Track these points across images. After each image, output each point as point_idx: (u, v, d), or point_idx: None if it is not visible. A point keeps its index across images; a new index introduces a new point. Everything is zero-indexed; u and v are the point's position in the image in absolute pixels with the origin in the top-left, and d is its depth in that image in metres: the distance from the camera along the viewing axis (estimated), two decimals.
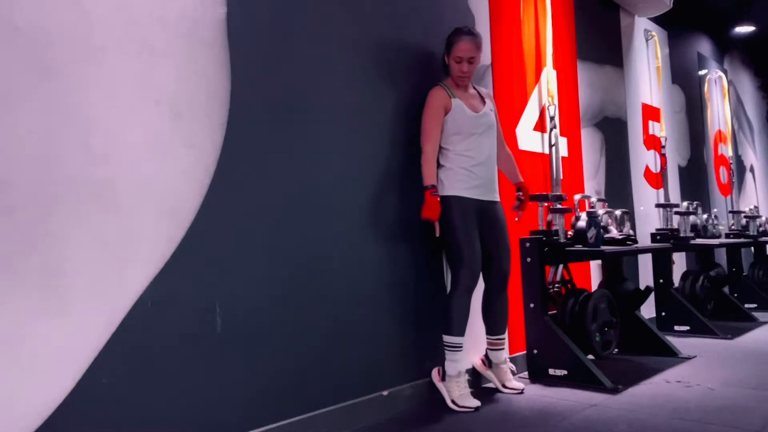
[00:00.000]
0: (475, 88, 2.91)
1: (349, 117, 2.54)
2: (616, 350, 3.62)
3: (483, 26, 3.33)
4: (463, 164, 2.73)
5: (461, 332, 2.66)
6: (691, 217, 4.96)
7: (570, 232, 3.36)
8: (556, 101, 3.64)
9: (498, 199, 2.86)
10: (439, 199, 2.64)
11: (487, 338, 2.91)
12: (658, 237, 4.55)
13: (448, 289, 2.76)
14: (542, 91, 3.70)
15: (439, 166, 2.75)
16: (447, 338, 2.66)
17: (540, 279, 3.16)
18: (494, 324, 2.89)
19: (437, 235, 2.67)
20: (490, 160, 2.83)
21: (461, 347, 2.66)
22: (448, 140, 2.74)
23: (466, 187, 2.71)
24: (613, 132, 4.54)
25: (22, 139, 1.62)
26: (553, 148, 3.60)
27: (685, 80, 5.91)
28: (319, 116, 2.41)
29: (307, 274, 2.31)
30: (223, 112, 2.08)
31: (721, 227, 5.46)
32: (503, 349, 2.92)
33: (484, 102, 2.88)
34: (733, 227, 5.92)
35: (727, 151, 6.53)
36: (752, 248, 6.05)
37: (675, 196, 5.32)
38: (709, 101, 6.36)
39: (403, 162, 2.74)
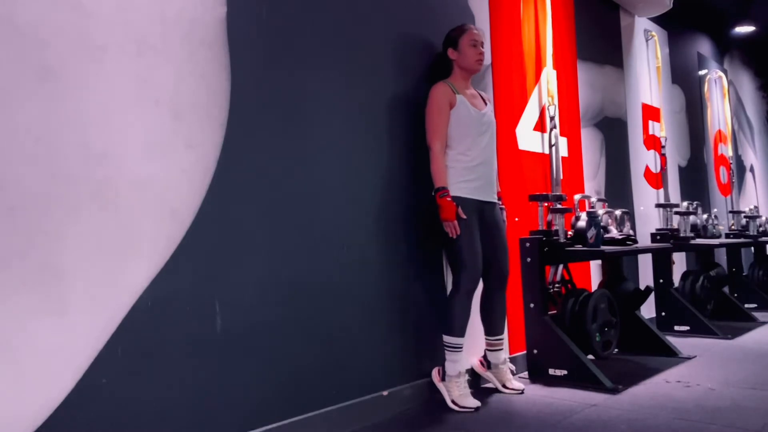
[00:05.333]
0: (475, 89, 2.92)
1: (350, 116, 2.54)
2: (616, 350, 3.61)
3: (483, 26, 3.32)
4: (464, 164, 2.71)
5: (462, 333, 2.66)
6: (691, 217, 4.96)
7: (570, 232, 3.36)
8: (556, 101, 3.64)
9: (496, 200, 2.86)
10: (451, 199, 2.62)
11: (486, 339, 2.91)
12: (658, 237, 4.54)
13: (449, 289, 2.76)
14: (542, 91, 3.70)
15: None
16: (447, 338, 2.66)
17: (540, 279, 3.16)
18: (493, 325, 2.89)
19: (455, 236, 2.62)
20: (490, 159, 2.82)
21: (461, 348, 2.66)
22: (449, 138, 2.72)
23: (466, 188, 2.69)
24: (613, 132, 4.54)
25: (21, 138, 1.61)
26: (553, 148, 3.60)
27: (685, 80, 5.90)
28: (320, 116, 2.41)
29: (307, 273, 2.31)
30: (223, 112, 2.08)
31: (721, 227, 5.46)
32: (502, 349, 2.92)
33: (485, 103, 2.89)
34: (733, 227, 5.92)
35: (727, 151, 6.53)
36: (752, 248, 6.05)
37: (675, 196, 5.31)
38: (709, 101, 6.36)
39: (404, 162, 2.74)
